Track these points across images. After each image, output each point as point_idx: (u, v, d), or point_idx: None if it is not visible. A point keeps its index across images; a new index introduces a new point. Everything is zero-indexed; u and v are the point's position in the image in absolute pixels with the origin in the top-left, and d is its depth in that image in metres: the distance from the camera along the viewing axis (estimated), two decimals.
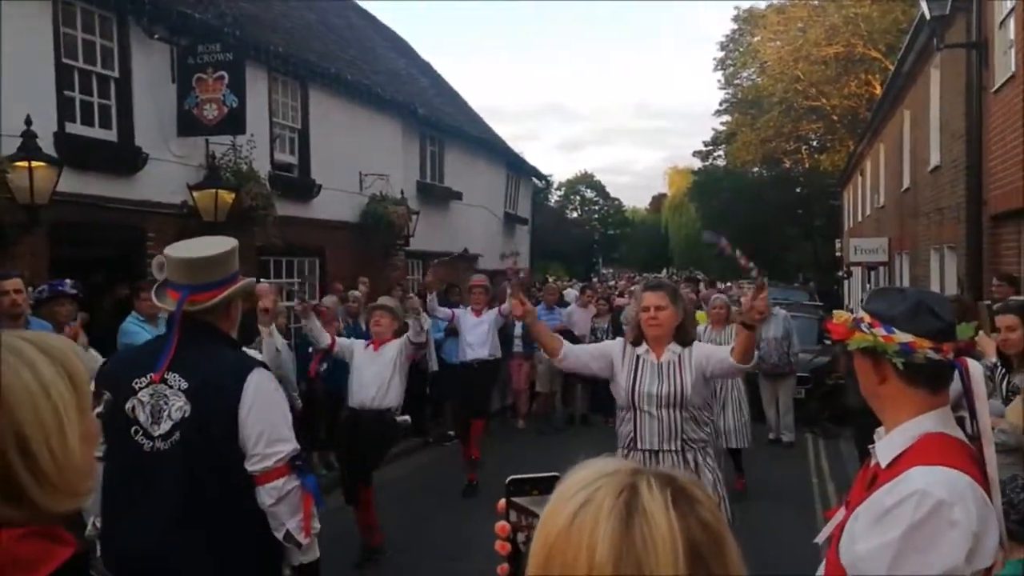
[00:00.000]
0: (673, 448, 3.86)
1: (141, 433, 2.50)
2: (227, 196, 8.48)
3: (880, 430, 1.86)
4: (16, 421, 1.13)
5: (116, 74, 8.02)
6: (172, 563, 2.43)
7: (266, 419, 2.53)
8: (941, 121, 11.94)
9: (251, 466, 2.50)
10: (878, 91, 23.17)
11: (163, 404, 2.50)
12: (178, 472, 2.46)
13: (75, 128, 7.61)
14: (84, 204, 7.47)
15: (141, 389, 2.52)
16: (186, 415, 2.48)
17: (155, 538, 2.43)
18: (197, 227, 8.32)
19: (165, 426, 2.49)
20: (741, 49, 34.45)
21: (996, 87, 8.90)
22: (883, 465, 1.75)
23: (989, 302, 4.09)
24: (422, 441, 10.01)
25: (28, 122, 6.57)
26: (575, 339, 11.03)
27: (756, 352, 3.92)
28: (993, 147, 9.13)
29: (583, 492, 0.90)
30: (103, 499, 2.52)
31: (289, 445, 2.56)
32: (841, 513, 1.86)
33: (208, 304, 2.56)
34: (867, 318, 1.81)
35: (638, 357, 3.96)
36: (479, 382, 8.43)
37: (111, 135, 8.02)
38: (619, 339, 4.29)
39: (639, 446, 3.90)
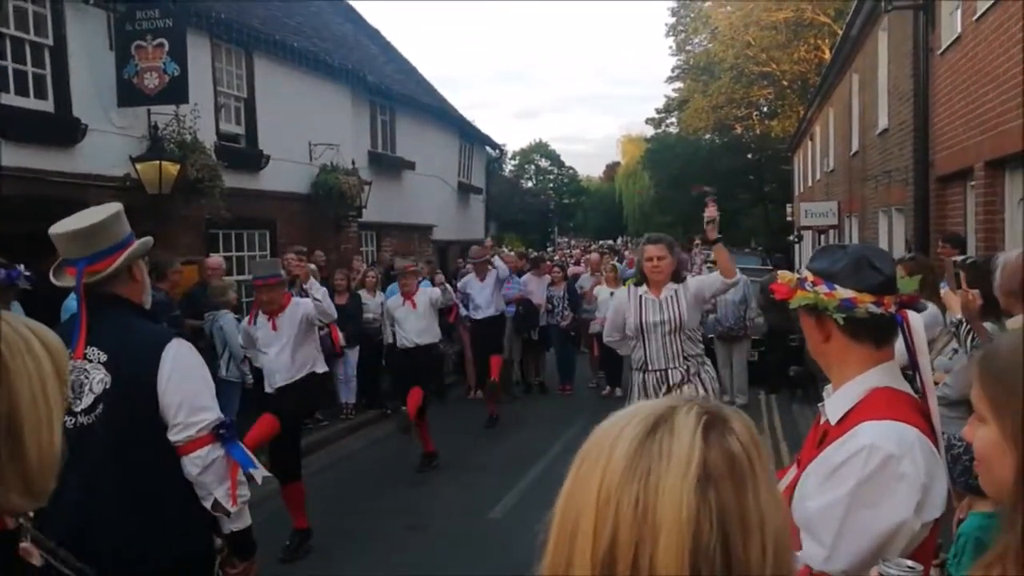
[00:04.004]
0: (677, 365, 4.75)
1: None
2: (171, 168, 8.25)
3: (828, 387, 1.86)
4: (14, 406, 1.14)
5: (50, 42, 7.69)
6: (104, 536, 2.40)
7: (186, 388, 2.52)
8: (889, 84, 12.09)
9: (173, 436, 2.49)
10: (827, 56, 23.39)
11: (84, 378, 2.47)
12: (103, 444, 2.44)
13: (9, 98, 7.31)
14: (21, 178, 7.19)
15: None
16: (107, 386, 2.46)
17: (86, 512, 2.41)
18: (142, 200, 8.10)
19: (87, 400, 2.46)
20: (692, 15, 34.48)
21: (943, 49, 9.02)
22: (832, 422, 1.76)
23: (958, 259, 4.14)
24: (379, 412, 9.97)
25: None
26: (533, 307, 11.10)
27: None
28: (940, 109, 9.26)
29: (624, 414, 0.94)
30: None
31: (212, 414, 2.55)
32: (793, 472, 1.87)
33: (108, 272, 2.51)
34: (810, 276, 1.81)
35: (640, 296, 4.84)
36: (492, 333, 9.97)
37: (47, 106, 7.72)
38: (621, 289, 5.33)
39: (650, 367, 4.80)
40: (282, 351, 5.69)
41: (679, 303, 4.75)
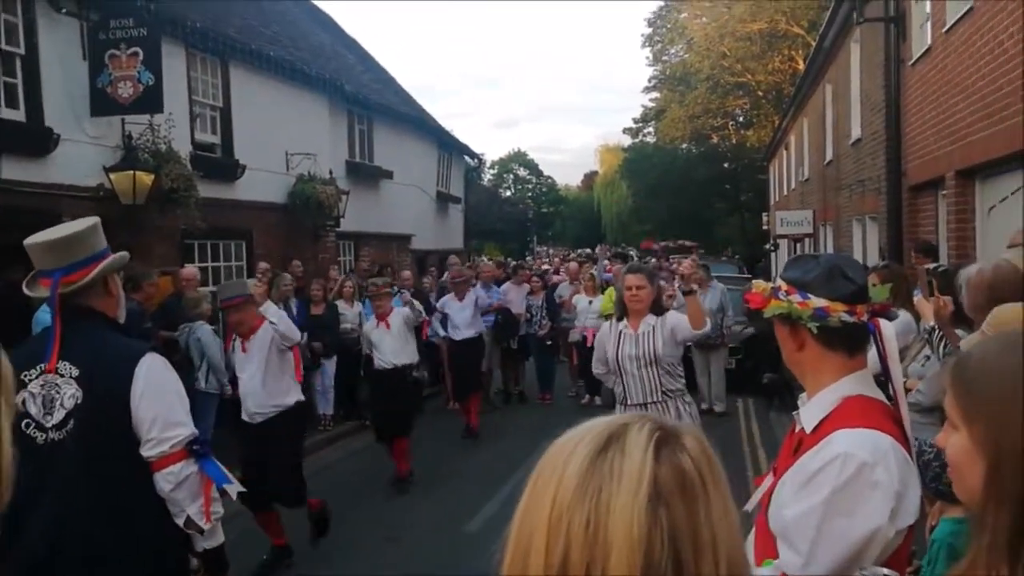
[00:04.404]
0: (656, 399, 4.71)
1: (33, 426, 2.43)
2: (146, 178, 8.17)
3: (803, 396, 1.87)
4: None
5: (22, 51, 7.61)
6: (77, 552, 2.37)
7: (160, 403, 2.49)
8: (862, 95, 12.25)
9: (146, 451, 2.46)
10: (801, 66, 23.67)
11: (55, 393, 2.44)
12: (75, 460, 2.40)
13: None
14: None
15: (31, 381, 2.45)
16: (79, 402, 2.42)
17: (58, 528, 2.37)
18: (116, 211, 8.02)
19: (59, 415, 2.42)
20: (668, 26, 34.78)
21: (913, 60, 9.15)
22: (807, 430, 1.77)
23: (930, 267, 4.19)
24: (357, 423, 9.91)
25: None
26: (512, 316, 11.10)
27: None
28: (911, 119, 9.40)
29: (580, 430, 0.94)
30: None
31: (186, 429, 2.52)
32: (769, 480, 1.88)
33: (82, 283, 2.49)
34: (784, 286, 1.83)
35: (620, 331, 4.81)
36: (471, 355, 9.84)
37: (19, 115, 7.63)
38: (606, 323, 5.21)
39: (628, 401, 4.76)
40: (253, 376, 5.48)
41: (655, 337, 4.71)
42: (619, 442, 0.90)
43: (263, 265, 9.27)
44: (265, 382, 5.48)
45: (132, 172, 8.10)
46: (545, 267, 19.69)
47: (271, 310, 5.53)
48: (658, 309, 4.81)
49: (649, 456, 0.88)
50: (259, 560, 5.59)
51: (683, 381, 4.87)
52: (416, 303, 7.92)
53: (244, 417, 5.62)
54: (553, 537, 0.86)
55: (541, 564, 0.86)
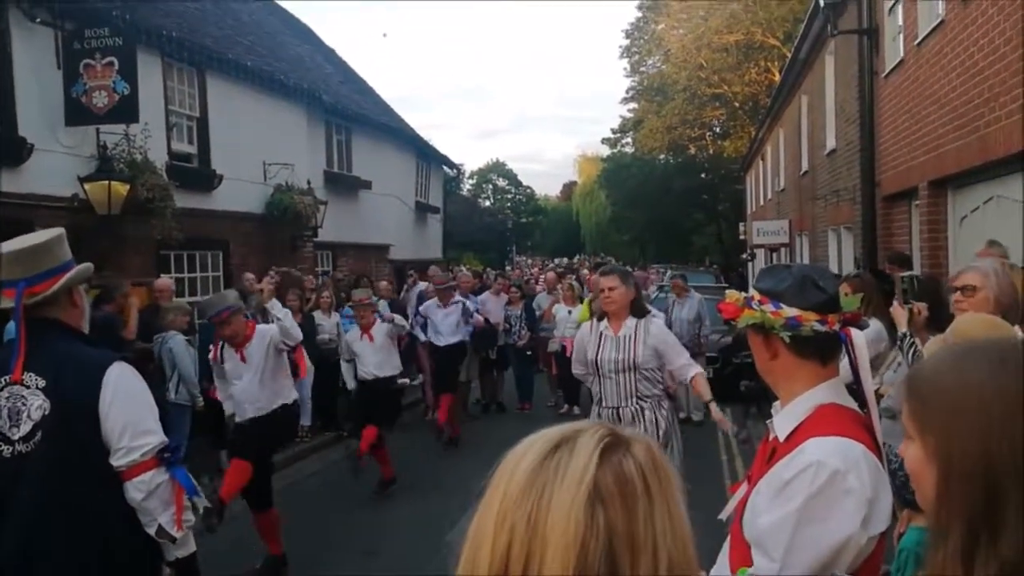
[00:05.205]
0: (630, 404, 4.67)
1: (0, 439, 2.40)
2: (121, 188, 8.10)
3: (776, 404, 1.89)
4: None
5: None
6: (49, 564, 2.35)
7: (129, 412, 2.47)
8: (836, 106, 12.40)
9: (116, 460, 2.44)
10: (777, 78, 23.90)
11: (21, 405, 2.41)
12: (44, 471, 2.38)
13: None
14: None
15: None
16: (46, 413, 2.40)
17: (28, 541, 2.35)
18: (91, 221, 7.94)
19: (25, 427, 2.40)
20: (646, 37, 35.00)
21: (886, 72, 9.28)
22: (781, 439, 1.79)
23: (905, 275, 4.24)
24: (335, 435, 9.85)
25: None
26: (491, 326, 11.09)
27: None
28: (885, 130, 9.52)
29: (536, 435, 0.98)
30: None
31: (156, 437, 2.51)
32: (744, 488, 1.89)
33: (48, 293, 2.48)
34: (757, 296, 1.85)
35: (600, 333, 4.77)
36: (452, 361, 9.82)
37: None
38: (585, 323, 5.15)
39: (603, 404, 4.75)
40: (251, 381, 5.54)
41: (636, 343, 4.65)
42: (568, 444, 0.93)
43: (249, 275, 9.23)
44: (263, 384, 5.55)
45: (107, 182, 8.03)
46: (527, 278, 19.72)
47: (277, 307, 5.62)
48: (637, 311, 4.75)
49: (594, 459, 0.90)
50: (250, 569, 5.55)
51: (662, 387, 4.82)
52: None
53: (239, 419, 5.62)
54: (499, 533, 0.90)
55: (487, 561, 0.90)
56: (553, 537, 0.86)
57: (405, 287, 13.08)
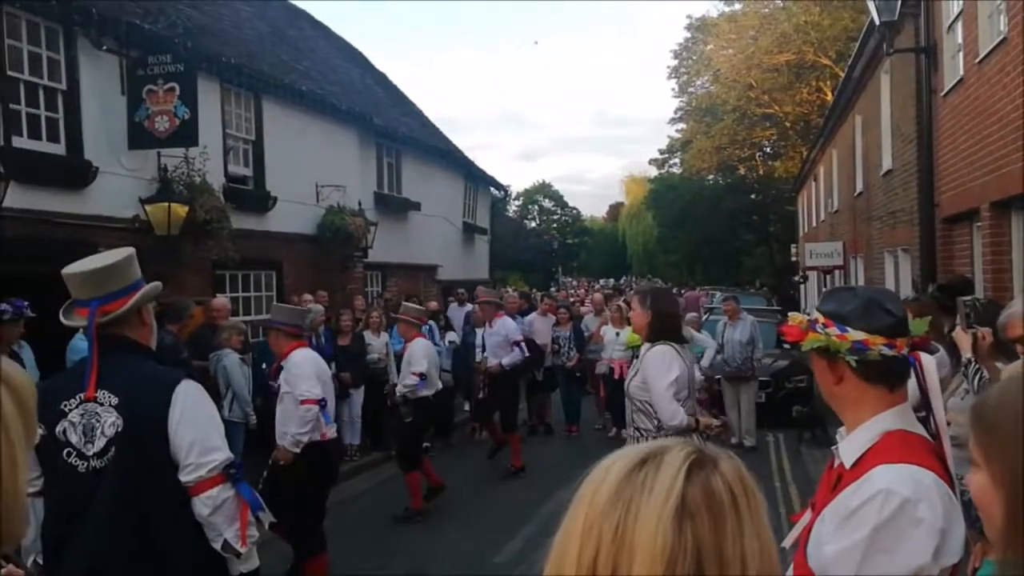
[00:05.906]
0: (631, 434, 4.33)
1: (75, 455, 2.47)
2: (180, 210, 8.32)
3: (841, 430, 1.85)
4: None
5: (64, 86, 7.82)
6: None
7: (197, 429, 2.53)
8: (892, 125, 12.18)
9: (184, 476, 2.50)
10: (829, 97, 23.63)
11: (95, 422, 2.47)
12: (115, 487, 2.44)
13: (22, 142, 7.41)
14: (32, 219, 7.27)
15: (71, 410, 2.50)
16: (119, 429, 2.46)
17: (100, 557, 2.40)
18: (150, 242, 8.15)
19: (99, 443, 2.46)
20: (694, 57, 34.91)
21: (945, 91, 9.09)
22: (847, 466, 1.74)
23: (967, 299, 4.13)
24: (384, 454, 9.89)
25: None
26: (538, 348, 11.05)
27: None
28: (944, 150, 9.31)
29: (622, 450, 1.01)
30: (44, 532, 2.51)
31: (222, 454, 2.56)
32: (807, 516, 1.85)
33: (119, 312, 2.54)
34: (821, 319, 1.81)
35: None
36: (503, 383, 9.33)
37: (59, 148, 7.83)
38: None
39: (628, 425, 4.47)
40: (280, 405, 5.37)
41: (637, 370, 4.34)
42: (655, 460, 0.96)
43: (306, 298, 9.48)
44: (287, 414, 5.38)
45: (167, 204, 8.25)
46: (573, 299, 19.67)
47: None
48: (652, 334, 4.32)
49: (681, 474, 0.93)
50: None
51: (656, 422, 4.21)
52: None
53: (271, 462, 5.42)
54: (585, 541, 0.93)
55: (574, 566, 0.93)
56: (640, 548, 0.89)
57: (448, 306, 13.26)
